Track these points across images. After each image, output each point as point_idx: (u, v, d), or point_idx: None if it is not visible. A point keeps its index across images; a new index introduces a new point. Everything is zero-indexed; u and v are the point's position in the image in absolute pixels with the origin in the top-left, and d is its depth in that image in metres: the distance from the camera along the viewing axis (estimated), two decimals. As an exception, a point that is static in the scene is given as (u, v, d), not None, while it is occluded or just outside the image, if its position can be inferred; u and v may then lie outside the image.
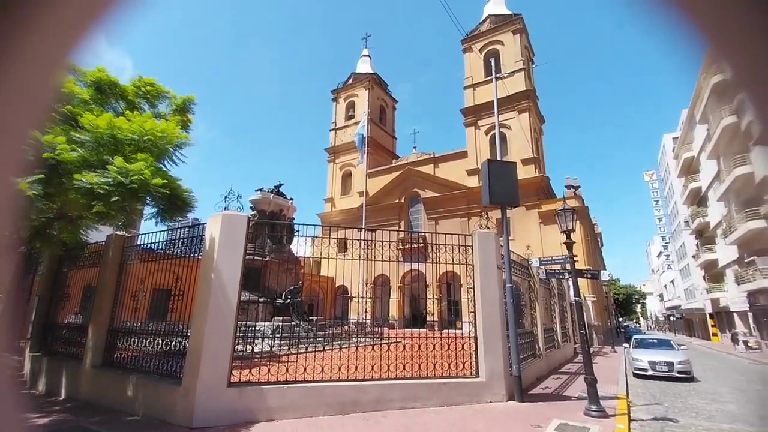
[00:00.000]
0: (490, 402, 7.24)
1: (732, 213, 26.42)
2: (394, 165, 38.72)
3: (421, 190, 34.94)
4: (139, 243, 8.08)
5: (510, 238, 9.06)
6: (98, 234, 9.41)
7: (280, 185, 19.29)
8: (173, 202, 6.29)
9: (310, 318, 17.53)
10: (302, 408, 6.19)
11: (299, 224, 7.85)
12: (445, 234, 8.33)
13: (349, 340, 13.49)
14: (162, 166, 6.88)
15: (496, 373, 7.51)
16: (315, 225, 7.69)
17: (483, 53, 35.13)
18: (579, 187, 31.73)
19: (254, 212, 17.27)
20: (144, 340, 7.25)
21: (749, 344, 25.06)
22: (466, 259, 8.20)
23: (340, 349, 8.85)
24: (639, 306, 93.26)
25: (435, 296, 12.71)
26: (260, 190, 18.28)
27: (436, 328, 18.75)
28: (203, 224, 6.83)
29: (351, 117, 42.75)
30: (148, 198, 6.62)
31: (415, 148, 39.68)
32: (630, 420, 6.69)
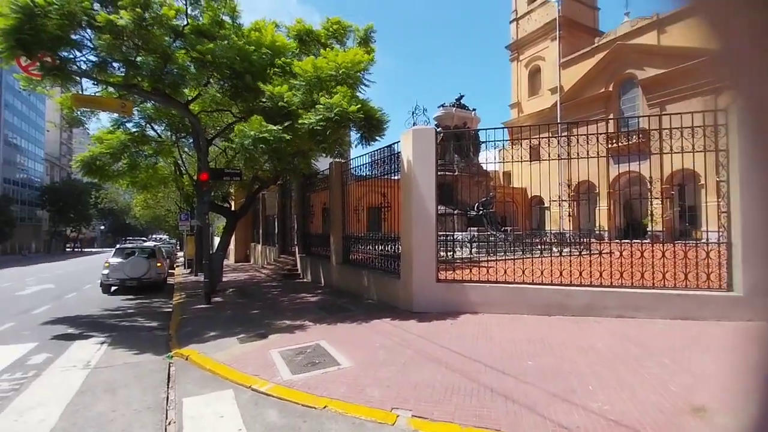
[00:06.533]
0: (750, 321, 5.72)
1: None
2: (596, 45, 31.13)
3: (638, 69, 27.25)
4: (352, 166, 9.68)
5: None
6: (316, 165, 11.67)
7: (461, 97, 18.74)
8: (370, 123, 7.10)
9: (505, 229, 17.51)
10: (504, 305, 6.49)
11: (483, 129, 7.53)
12: (676, 114, 6.38)
13: (548, 249, 12.87)
14: (358, 94, 7.80)
15: (761, 288, 5.75)
16: (499, 128, 7.21)
17: None
18: None
19: (439, 129, 17.64)
20: (368, 246, 9.02)
21: None
22: (714, 144, 6.15)
23: (541, 255, 8.55)
24: None
25: (658, 197, 10.28)
26: (442, 105, 18.31)
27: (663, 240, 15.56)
28: (398, 143, 7.47)
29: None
30: (351, 125, 7.69)
31: (627, 14, 30.40)
32: None
